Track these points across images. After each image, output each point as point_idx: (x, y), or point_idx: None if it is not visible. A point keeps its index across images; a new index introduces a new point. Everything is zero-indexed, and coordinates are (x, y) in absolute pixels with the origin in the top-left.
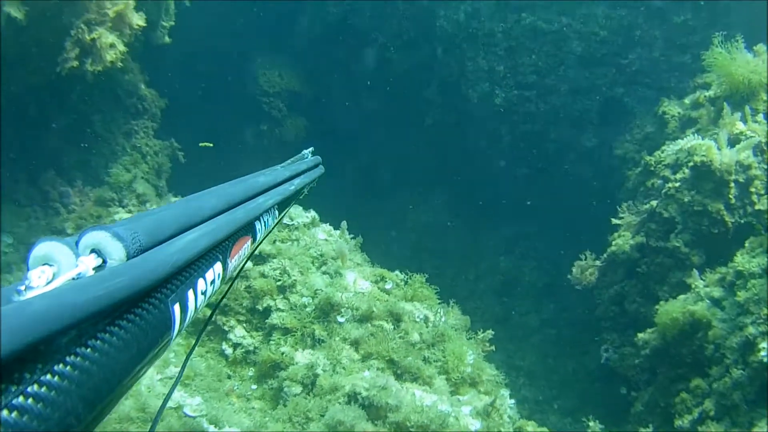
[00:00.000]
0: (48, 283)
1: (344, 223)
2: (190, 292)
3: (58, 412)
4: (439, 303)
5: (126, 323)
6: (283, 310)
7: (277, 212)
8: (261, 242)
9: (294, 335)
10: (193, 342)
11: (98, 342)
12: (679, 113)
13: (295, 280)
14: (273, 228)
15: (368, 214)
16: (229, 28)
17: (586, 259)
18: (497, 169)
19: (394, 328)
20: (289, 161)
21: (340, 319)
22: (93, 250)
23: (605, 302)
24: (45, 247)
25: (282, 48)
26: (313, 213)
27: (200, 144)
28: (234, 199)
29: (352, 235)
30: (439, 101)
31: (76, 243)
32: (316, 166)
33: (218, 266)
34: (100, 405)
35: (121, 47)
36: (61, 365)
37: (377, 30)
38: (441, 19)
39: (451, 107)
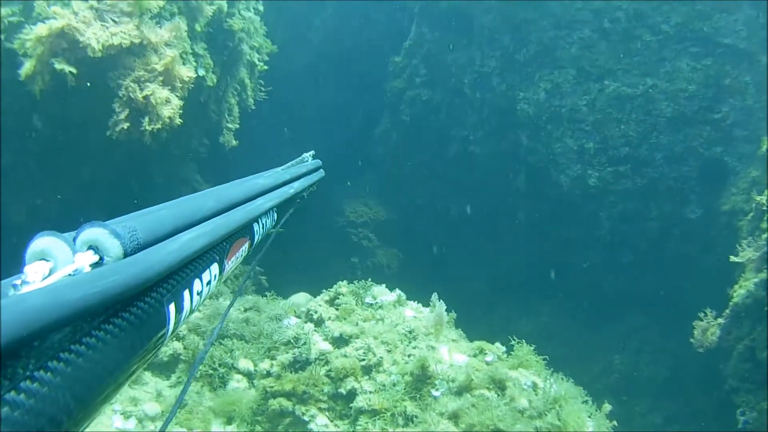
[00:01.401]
0: (44, 278)
1: (436, 295)
2: (186, 292)
3: (50, 408)
4: (546, 369)
5: (121, 321)
6: (369, 392)
7: (275, 215)
8: (260, 244)
9: (383, 417)
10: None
11: (92, 339)
12: None
13: (381, 358)
14: (274, 232)
15: (465, 327)
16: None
17: (706, 317)
18: (600, 260)
19: (498, 396)
20: (289, 164)
21: (434, 392)
22: (90, 247)
23: (735, 362)
24: (42, 242)
25: (361, 169)
26: (399, 291)
27: None
28: (233, 200)
29: (446, 308)
30: (530, 192)
31: (74, 239)
32: (316, 169)
33: (215, 267)
34: (92, 402)
35: (177, 101)
36: (54, 361)
37: (458, 125)
38: (521, 102)
39: (542, 197)
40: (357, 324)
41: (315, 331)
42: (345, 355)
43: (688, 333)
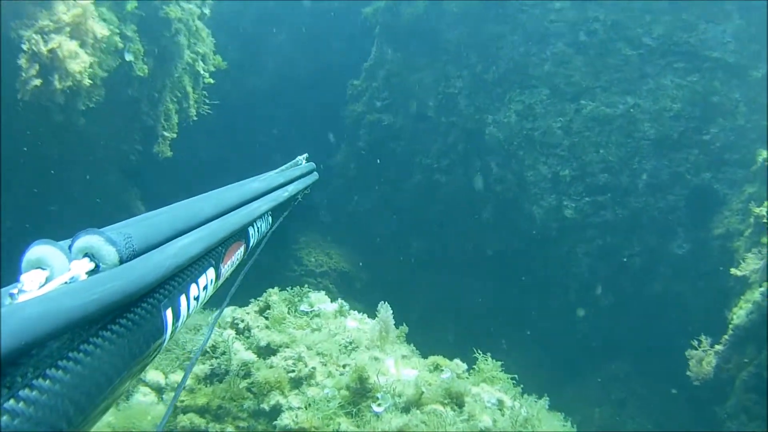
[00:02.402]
0: (41, 286)
1: (383, 302)
2: (183, 298)
3: (49, 416)
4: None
5: (118, 328)
6: (297, 408)
7: (270, 218)
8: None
9: None
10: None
11: (90, 346)
12: None
13: (313, 369)
14: (267, 236)
15: None
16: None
17: (700, 345)
18: (577, 302)
19: (455, 413)
20: (283, 167)
21: (375, 408)
22: (86, 254)
23: (737, 395)
24: (38, 251)
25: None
26: (341, 301)
27: None
28: (228, 205)
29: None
30: (499, 225)
31: (70, 246)
32: (310, 172)
33: (211, 272)
34: (91, 409)
35: (86, 57)
36: (53, 369)
37: (421, 152)
38: (490, 126)
39: (513, 230)
40: (288, 333)
41: (237, 338)
42: (271, 366)
43: (677, 381)
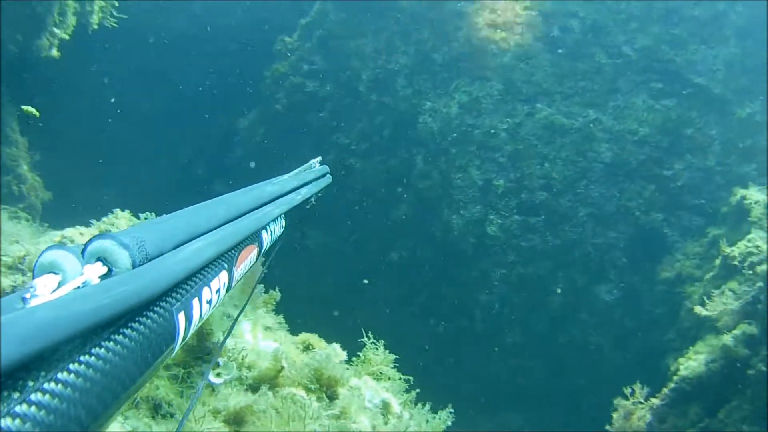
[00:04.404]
0: (53, 291)
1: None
2: (195, 301)
3: (60, 420)
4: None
5: (130, 332)
6: None
7: (283, 221)
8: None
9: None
10: None
11: (102, 350)
12: (764, 200)
13: None
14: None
15: None
16: None
17: (632, 395)
18: (478, 334)
19: (322, 405)
20: (296, 171)
21: (213, 378)
22: (99, 258)
23: None
24: (51, 255)
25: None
26: None
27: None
28: (241, 208)
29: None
30: (412, 228)
31: (83, 251)
32: (323, 175)
33: (224, 275)
34: (103, 413)
35: None
36: (64, 373)
37: (341, 130)
38: (426, 114)
39: (426, 237)
40: None
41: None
42: None
43: None
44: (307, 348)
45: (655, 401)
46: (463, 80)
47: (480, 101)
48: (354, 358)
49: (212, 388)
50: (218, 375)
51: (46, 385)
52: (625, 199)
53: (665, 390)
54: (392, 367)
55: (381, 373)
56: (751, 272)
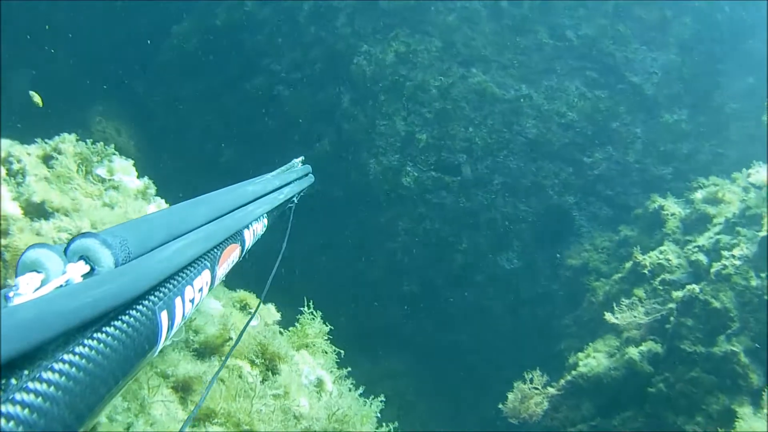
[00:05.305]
0: (36, 290)
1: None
2: (178, 300)
3: (44, 419)
4: (339, 369)
5: (113, 330)
6: None
7: (265, 221)
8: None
9: None
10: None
11: (85, 349)
12: (680, 213)
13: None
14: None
15: None
16: None
17: (531, 382)
18: (376, 277)
19: (263, 381)
20: (278, 170)
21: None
22: (82, 257)
23: None
24: (34, 254)
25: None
26: (148, 181)
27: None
28: (224, 207)
29: None
30: (328, 166)
31: (65, 250)
32: (305, 175)
33: (206, 274)
34: (86, 412)
35: None
36: (48, 372)
37: (273, 55)
38: (361, 56)
39: (340, 178)
40: (72, 197)
41: (5, 180)
42: (37, 233)
43: (455, 397)
44: (244, 307)
45: (551, 390)
46: (404, 30)
47: (417, 54)
48: (291, 328)
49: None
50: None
51: (29, 384)
52: (541, 177)
53: (562, 381)
54: (326, 339)
55: (314, 345)
56: (662, 288)
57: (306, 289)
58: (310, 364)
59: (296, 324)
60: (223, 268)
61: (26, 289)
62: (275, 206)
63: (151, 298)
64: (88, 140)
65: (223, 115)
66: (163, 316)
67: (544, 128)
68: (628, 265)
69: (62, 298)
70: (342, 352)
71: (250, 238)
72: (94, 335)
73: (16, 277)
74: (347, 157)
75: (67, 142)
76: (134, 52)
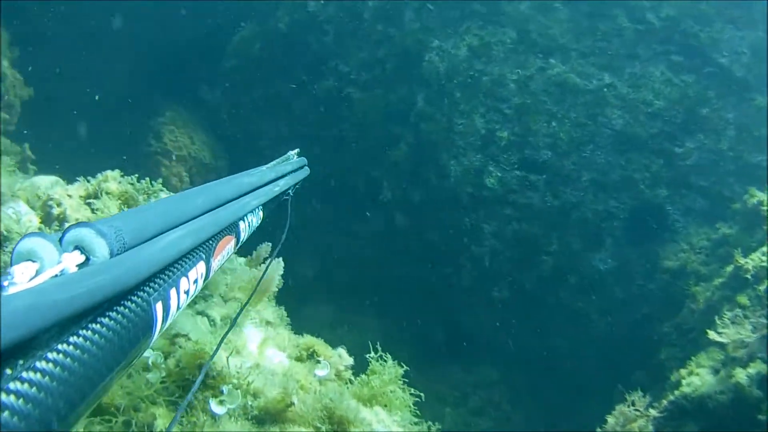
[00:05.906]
0: (31, 279)
1: (266, 243)
2: (173, 291)
3: (38, 409)
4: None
5: (108, 321)
6: None
7: (261, 213)
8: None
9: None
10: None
11: (80, 339)
12: None
13: None
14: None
15: None
16: None
17: (632, 405)
18: (464, 285)
19: None
20: (274, 162)
21: (215, 407)
22: (77, 247)
23: None
24: (29, 243)
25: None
26: None
27: None
28: (220, 199)
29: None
30: (405, 169)
31: (60, 239)
32: (301, 167)
33: (201, 265)
34: (81, 403)
35: None
36: (42, 362)
37: (341, 56)
38: (433, 52)
39: (419, 180)
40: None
41: (41, 228)
42: None
43: (552, 406)
44: (312, 356)
45: (653, 412)
46: (475, 22)
47: (491, 47)
48: (361, 376)
49: (213, 417)
50: (221, 403)
51: (23, 374)
52: (631, 170)
53: (664, 401)
54: (401, 384)
55: (389, 395)
56: (767, 297)
57: (401, 299)
58: (385, 423)
59: (366, 372)
60: (218, 260)
61: (21, 278)
62: (270, 198)
63: (147, 288)
64: (133, 176)
65: (294, 120)
66: (158, 307)
67: (631, 118)
68: (729, 269)
69: (57, 287)
70: (422, 395)
71: (245, 230)
72: (89, 325)
73: (11, 266)
74: (425, 160)
75: (111, 180)
76: (198, 59)
